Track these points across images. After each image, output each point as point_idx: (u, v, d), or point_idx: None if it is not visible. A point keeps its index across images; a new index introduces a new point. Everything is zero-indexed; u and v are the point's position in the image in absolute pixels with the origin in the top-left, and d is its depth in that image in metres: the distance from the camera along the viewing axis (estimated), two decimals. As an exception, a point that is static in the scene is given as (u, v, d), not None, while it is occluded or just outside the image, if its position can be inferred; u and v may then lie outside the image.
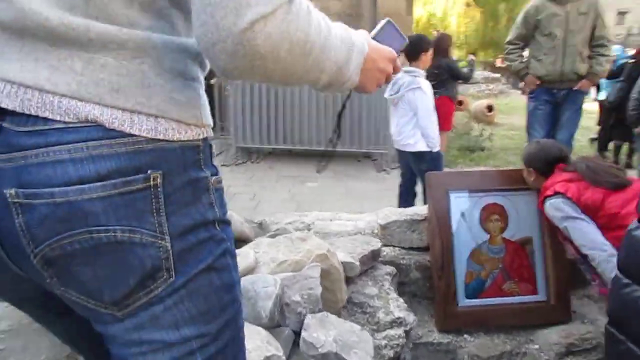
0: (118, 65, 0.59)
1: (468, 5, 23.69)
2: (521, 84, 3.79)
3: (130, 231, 0.60)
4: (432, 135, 3.33)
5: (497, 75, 17.84)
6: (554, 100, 3.67)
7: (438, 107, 3.64)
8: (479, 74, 17.85)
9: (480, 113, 10.12)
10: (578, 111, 3.69)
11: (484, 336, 2.07)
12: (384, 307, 1.81)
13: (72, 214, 0.58)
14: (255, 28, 0.53)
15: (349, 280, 1.87)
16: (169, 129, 0.62)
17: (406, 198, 3.75)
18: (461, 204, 2.13)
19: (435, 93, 3.67)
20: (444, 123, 4.87)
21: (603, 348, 1.99)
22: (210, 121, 0.70)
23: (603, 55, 3.49)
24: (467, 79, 6.26)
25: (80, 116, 0.58)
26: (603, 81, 6.79)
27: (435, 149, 3.37)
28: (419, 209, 2.33)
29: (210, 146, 0.71)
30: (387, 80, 0.82)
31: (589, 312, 2.18)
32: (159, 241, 0.62)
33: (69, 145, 0.57)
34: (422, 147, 3.36)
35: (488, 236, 2.14)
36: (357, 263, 1.86)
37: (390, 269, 2.08)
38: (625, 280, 0.59)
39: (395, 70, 0.83)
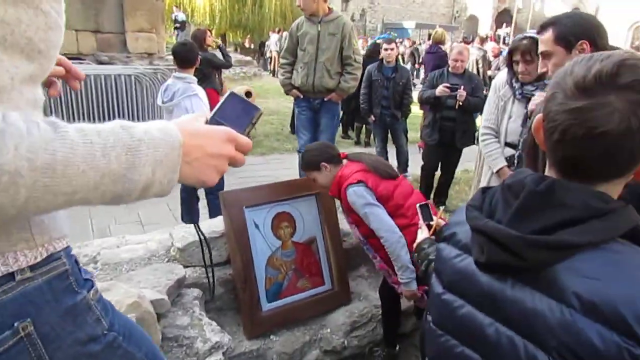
0: None
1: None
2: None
3: None
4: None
5: (249, 58, 18.68)
6: (312, 107, 4.11)
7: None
8: (231, 56, 18.43)
9: (240, 99, 10.54)
10: (333, 118, 4.18)
11: (287, 333, 2.30)
12: (200, 334, 1.84)
13: None
14: None
15: (159, 316, 1.83)
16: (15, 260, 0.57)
17: (189, 204, 3.73)
18: (255, 217, 2.29)
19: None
20: None
21: (377, 318, 2.48)
22: (64, 230, 0.65)
23: (350, 73, 3.93)
24: (227, 66, 6.42)
25: None
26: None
27: (215, 154, 3.45)
28: (214, 224, 2.39)
29: (73, 257, 0.66)
30: (234, 163, 0.74)
31: (362, 289, 2.64)
32: None
33: None
34: (202, 153, 3.39)
35: (280, 242, 2.36)
36: (166, 297, 1.84)
37: (196, 292, 2.11)
38: (440, 332, 0.79)
39: (244, 148, 0.74)
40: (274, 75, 18.54)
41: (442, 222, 1.39)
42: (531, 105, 2.14)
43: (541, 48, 1.75)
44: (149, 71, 6.32)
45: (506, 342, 0.70)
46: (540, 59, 1.79)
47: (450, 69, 4.35)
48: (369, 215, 2.05)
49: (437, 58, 7.16)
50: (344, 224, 2.63)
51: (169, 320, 1.87)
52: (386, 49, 5.33)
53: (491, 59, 8.94)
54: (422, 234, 1.37)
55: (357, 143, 7.87)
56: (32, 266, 0.59)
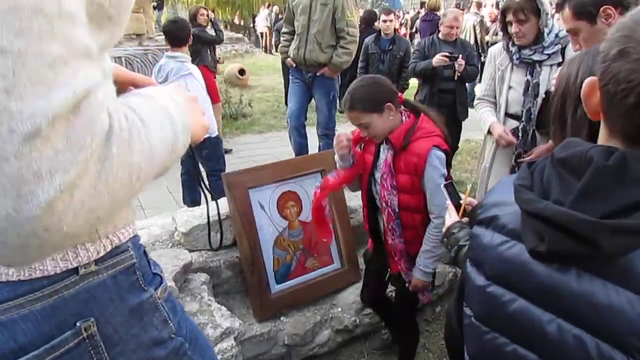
0: None
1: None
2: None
3: None
4: (208, 120, 3.29)
5: (240, 35, 18.33)
6: (303, 79, 3.98)
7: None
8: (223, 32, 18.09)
9: (234, 77, 10.33)
10: (328, 95, 3.99)
11: (297, 314, 2.27)
12: (210, 321, 1.80)
13: None
14: (55, 208, 0.39)
15: (167, 304, 1.78)
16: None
17: (190, 186, 3.67)
18: (260, 198, 2.22)
19: None
20: (213, 96, 4.85)
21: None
22: (129, 216, 0.60)
23: (343, 47, 3.75)
24: (218, 41, 6.31)
25: None
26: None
27: (214, 134, 3.36)
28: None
29: (141, 247, 0.61)
30: None
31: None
32: None
33: None
34: (200, 134, 3.30)
35: (287, 222, 2.30)
36: (173, 284, 1.79)
37: (204, 276, 2.06)
38: (485, 328, 0.71)
39: None
40: (266, 51, 18.23)
41: (474, 202, 1.29)
42: (555, 82, 1.95)
43: (565, 26, 1.66)
44: (140, 52, 6.15)
45: (572, 342, 0.61)
46: (570, 36, 1.70)
47: (441, 35, 4.00)
48: (439, 190, 1.58)
49: (433, 26, 7.00)
50: (351, 201, 2.57)
51: (177, 307, 1.82)
52: (385, 21, 4.96)
53: (489, 24, 8.74)
54: (451, 216, 1.26)
55: None
56: (96, 260, 0.55)
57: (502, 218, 0.72)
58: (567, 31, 1.66)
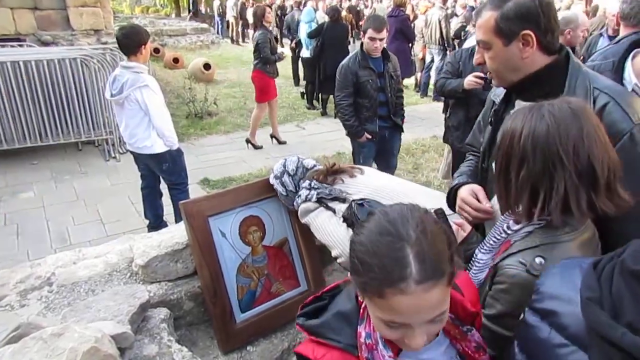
0: None
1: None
2: None
3: None
4: (168, 134, 3.17)
5: (205, 25, 17.89)
6: None
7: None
8: (187, 24, 17.59)
9: (198, 71, 10.09)
10: None
11: (264, 341, 2.21)
12: (170, 364, 1.72)
13: None
14: None
15: (123, 349, 1.69)
16: None
17: (152, 200, 3.54)
18: (220, 225, 2.14)
19: None
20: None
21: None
22: None
23: None
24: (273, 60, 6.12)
25: None
26: (306, 40, 7.59)
27: (175, 147, 3.24)
28: (177, 235, 2.23)
29: None
30: None
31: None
32: None
33: None
34: (160, 148, 3.18)
35: (250, 248, 2.22)
36: (129, 329, 1.69)
37: (164, 312, 1.96)
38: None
39: None
40: (233, 42, 17.84)
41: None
42: (499, 137, 1.30)
43: (477, 35, 1.48)
44: (97, 52, 5.89)
45: None
46: (478, 46, 1.50)
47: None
48: None
49: (399, 22, 6.96)
50: (315, 218, 2.51)
51: (134, 351, 1.73)
52: (372, 39, 3.50)
53: (461, 11, 8.71)
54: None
55: (324, 114, 7.69)
56: None
57: (563, 318, 0.68)
58: (478, 41, 1.47)
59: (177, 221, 3.32)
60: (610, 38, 3.26)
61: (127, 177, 4.75)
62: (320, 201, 2.03)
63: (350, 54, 3.81)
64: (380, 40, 3.50)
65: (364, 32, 3.57)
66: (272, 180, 2.19)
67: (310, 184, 2.07)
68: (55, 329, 1.49)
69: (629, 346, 0.55)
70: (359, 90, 3.62)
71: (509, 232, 1.18)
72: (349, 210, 1.88)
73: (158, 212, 3.58)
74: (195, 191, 4.24)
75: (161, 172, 3.33)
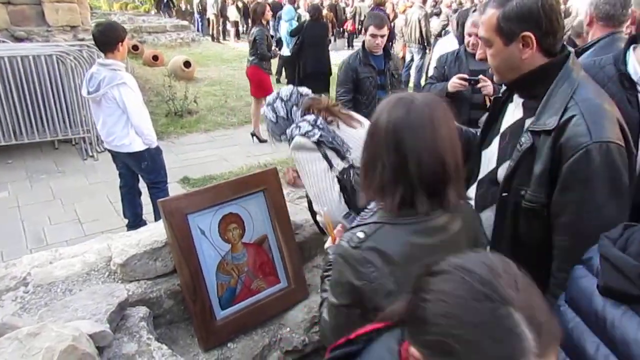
0: None
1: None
2: None
3: None
4: (147, 132, 3.14)
5: (185, 22, 17.70)
6: None
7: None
8: (167, 21, 17.37)
9: (178, 69, 9.99)
10: None
11: (245, 338, 2.21)
12: (149, 363, 1.71)
13: None
14: None
15: (102, 348, 1.68)
16: None
17: (131, 199, 3.50)
18: (200, 223, 2.13)
19: None
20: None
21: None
22: None
23: None
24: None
25: None
26: (286, 38, 7.58)
27: (154, 146, 3.21)
28: (156, 234, 2.21)
29: None
30: None
31: (319, 280, 2.57)
32: None
33: None
34: (139, 146, 3.15)
35: (229, 245, 2.22)
36: (108, 327, 1.68)
37: (143, 310, 1.96)
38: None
39: None
40: (213, 39, 17.70)
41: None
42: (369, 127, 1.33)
43: (480, 31, 1.49)
44: (74, 49, 5.78)
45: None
46: (481, 41, 1.52)
47: (470, 48, 3.01)
48: None
49: (379, 20, 6.99)
50: (296, 215, 2.52)
51: (113, 350, 1.72)
52: (374, 36, 3.50)
53: (445, 10, 8.78)
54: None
55: None
56: None
57: (594, 259, 0.96)
58: (480, 37, 1.47)
59: (156, 220, 3.30)
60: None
61: (105, 176, 4.69)
62: (319, 144, 1.87)
63: (352, 52, 3.80)
64: (382, 37, 3.50)
65: (365, 29, 3.59)
66: (263, 110, 2.13)
67: (315, 121, 1.90)
68: (32, 329, 1.48)
69: (611, 256, 0.80)
70: (357, 86, 3.63)
71: (367, 209, 1.29)
72: (346, 175, 1.84)
73: (137, 211, 3.55)
74: (175, 190, 4.21)
75: (140, 171, 3.29)
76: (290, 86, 2.12)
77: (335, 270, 1.20)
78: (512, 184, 1.44)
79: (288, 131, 1.98)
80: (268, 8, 6.14)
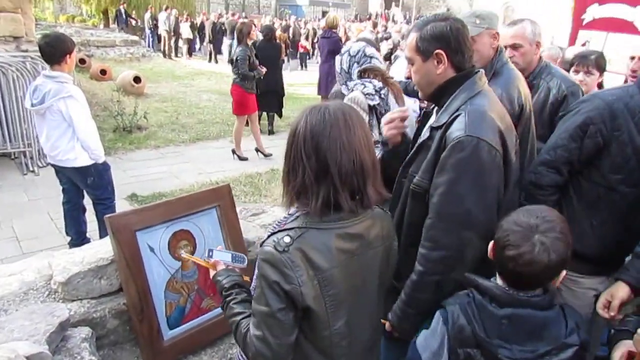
0: None
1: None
2: None
3: None
4: (94, 147, 3.05)
5: (136, 37, 17.37)
6: None
7: None
8: (117, 35, 16.96)
9: (128, 84, 9.76)
10: None
11: (194, 358, 2.16)
12: (90, 386, 1.64)
13: None
14: None
15: (38, 372, 1.59)
16: None
17: (75, 216, 3.36)
18: (149, 240, 2.08)
19: None
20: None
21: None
22: None
23: None
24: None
25: None
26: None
27: (101, 161, 3.12)
28: (101, 251, 2.14)
29: None
30: None
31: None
32: None
33: None
34: (85, 161, 3.05)
35: (180, 263, 2.18)
36: (46, 349, 1.60)
37: (85, 331, 1.88)
38: None
39: None
40: (165, 56, 17.44)
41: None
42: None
43: (406, 53, 1.71)
44: (16, 59, 5.54)
45: None
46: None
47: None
48: None
49: (331, 43, 7.18)
50: (248, 233, 2.51)
51: (51, 374, 1.63)
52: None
53: (398, 39, 9.05)
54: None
55: (271, 132, 7.58)
56: None
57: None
58: (406, 58, 1.71)
59: (101, 237, 3.18)
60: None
61: (46, 192, 4.47)
62: (372, 110, 2.04)
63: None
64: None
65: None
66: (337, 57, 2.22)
67: (381, 89, 2.08)
68: (-38, 351, 1.38)
69: None
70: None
71: (287, 216, 1.35)
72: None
73: (81, 228, 3.40)
74: (123, 207, 4.07)
75: (86, 187, 3.17)
76: (361, 44, 2.22)
77: (262, 278, 1.20)
78: (409, 170, 1.65)
79: (351, 83, 2.12)
80: (254, 28, 6.22)
